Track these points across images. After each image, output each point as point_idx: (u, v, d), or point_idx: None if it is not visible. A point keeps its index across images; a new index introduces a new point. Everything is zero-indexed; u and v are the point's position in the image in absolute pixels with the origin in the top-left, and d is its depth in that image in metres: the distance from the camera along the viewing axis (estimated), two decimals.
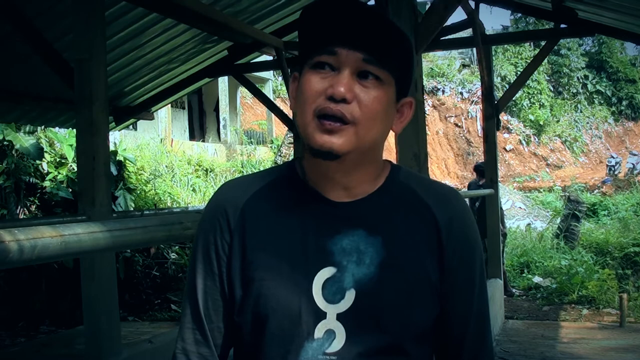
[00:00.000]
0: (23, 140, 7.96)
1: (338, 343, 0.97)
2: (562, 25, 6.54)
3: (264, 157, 18.37)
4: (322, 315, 0.98)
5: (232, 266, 1.04)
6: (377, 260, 1.00)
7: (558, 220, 11.74)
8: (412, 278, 1.01)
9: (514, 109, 27.77)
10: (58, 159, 8.54)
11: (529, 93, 27.56)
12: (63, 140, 8.76)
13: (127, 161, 9.49)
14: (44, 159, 8.24)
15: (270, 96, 20.12)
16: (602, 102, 31.06)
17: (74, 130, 6.26)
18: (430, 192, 1.07)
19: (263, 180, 1.08)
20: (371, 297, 0.98)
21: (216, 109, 20.19)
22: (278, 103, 19.84)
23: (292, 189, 1.06)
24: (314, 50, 1.00)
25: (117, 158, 8.96)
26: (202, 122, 21.01)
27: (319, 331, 0.98)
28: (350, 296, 0.98)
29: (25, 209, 7.87)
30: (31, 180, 7.98)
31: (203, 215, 1.09)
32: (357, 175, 1.03)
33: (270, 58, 7.50)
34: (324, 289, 0.99)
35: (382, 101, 0.99)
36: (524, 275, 9.37)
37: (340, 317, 0.98)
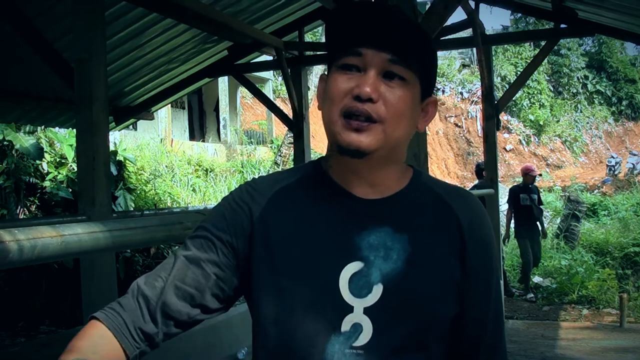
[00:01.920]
0: (23, 140, 7.96)
1: (365, 337, 0.99)
2: (562, 25, 6.53)
3: (264, 157, 18.36)
4: (348, 309, 0.99)
5: (252, 259, 1.04)
6: (404, 256, 1.02)
7: (558, 220, 11.74)
8: (437, 275, 1.03)
9: (514, 109, 27.77)
10: (58, 159, 8.54)
11: (529, 93, 27.56)
12: (63, 140, 8.76)
13: (127, 161, 9.49)
14: (44, 159, 8.24)
15: (270, 96, 20.12)
16: (602, 102, 31.05)
17: (74, 130, 6.26)
18: (452, 195, 1.10)
19: (290, 178, 1.10)
20: (399, 292, 1.00)
21: (216, 109, 20.18)
22: (278, 103, 19.83)
23: (319, 185, 1.08)
24: (340, 51, 1.02)
25: (117, 158, 8.96)
26: (202, 122, 21.01)
27: (346, 325, 0.99)
28: (377, 290, 1.00)
29: (25, 209, 7.87)
30: (31, 180, 7.97)
31: (223, 201, 1.10)
32: (382, 173, 1.05)
33: (270, 58, 7.49)
34: (351, 283, 1.00)
35: (407, 101, 1.01)
36: None
37: (367, 311, 0.99)
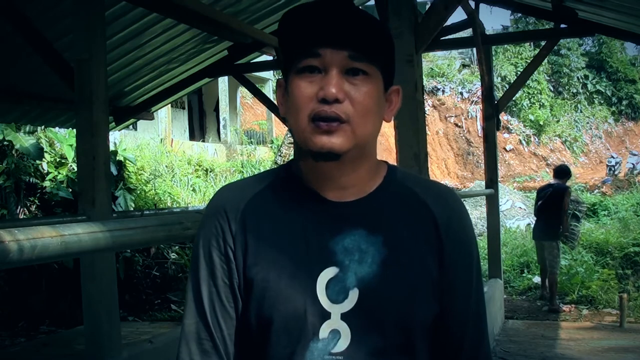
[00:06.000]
0: (23, 140, 7.96)
1: (343, 343, 0.98)
2: (562, 25, 6.54)
3: (264, 157, 18.36)
4: (326, 315, 0.98)
5: (238, 268, 1.03)
6: (379, 259, 1.00)
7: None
8: (414, 275, 1.02)
9: (514, 109, 27.74)
10: (58, 159, 8.54)
11: (529, 93, 27.53)
12: (63, 140, 8.76)
13: (127, 161, 9.49)
14: (44, 159, 8.24)
15: (270, 96, 20.10)
16: (602, 102, 31.01)
17: (74, 130, 6.26)
18: (428, 192, 1.08)
19: (261, 183, 1.08)
20: (374, 296, 0.99)
21: (216, 109, 20.18)
22: None
23: (292, 190, 1.06)
24: (297, 54, 1.00)
25: (117, 158, 8.96)
26: (202, 122, 21.01)
27: (324, 331, 0.98)
28: (353, 295, 0.98)
29: (25, 209, 7.87)
30: (31, 180, 7.97)
31: (203, 220, 1.07)
32: (355, 174, 1.04)
33: (270, 58, 7.50)
34: (328, 289, 0.99)
35: (373, 95, 1.00)
36: (524, 275, 9.37)
37: (344, 316, 0.98)
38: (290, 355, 0.98)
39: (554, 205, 7.51)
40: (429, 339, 1.05)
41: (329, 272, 0.99)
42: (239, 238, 1.03)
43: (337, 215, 1.03)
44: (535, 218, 8.17)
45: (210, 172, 15.25)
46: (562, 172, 7.87)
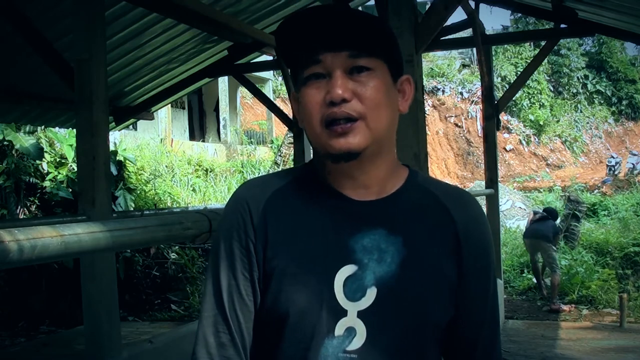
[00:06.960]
0: (23, 140, 7.96)
1: (358, 341, 0.98)
2: (562, 25, 6.54)
3: (264, 157, 18.36)
4: (342, 312, 0.99)
5: (258, 262, 1.03)
6: (398, 259, 1.01)
7: (558, 220, 11.73)
8: (432, 277, 1.03)
9: (514, 109, 27.74)
10: (58, 159, 8.54)
11: (529, 93, 27.53)
12: (63, 140, 8.76)
13: (127, 161, 9.49)
14: (44, 159, 8.25)
15: (270, 96, 20.12)
16: (602, 102, 31.01)
17: (74, 130, 6.26)
18: (448, 196, 1.09)
19: (283, 180, 1.09)
20: (393, 295, 0.99)
21: (216, 109, 20.19)
22: (278, 103, 19.83)
23: (313, 188, 1.07)
24: (300, 65, 1.02)
25: (117, 158, 8.96)
26: (202, 122, 21.01)
27: (339, 329, 0.98)
28: (371, 294, 0.99)
29: (25, 209, 7.87)
30: (31, 180, 7.98)
31: (224, 213, 1.08)
32: (375, 172, 1.04)
33: (270, 58, 7.50)
34: (345, 287, 0.99)
35: (381, 88, 1.01)
36: (524, 275, 9.38)
37: (361, 314, 0.99)
38: (304, 352, 0.98)
39: (551, 225, 8.41)
40: (442, 340, 1.06)
41: (347, 270, 1.00)
42: (260, 231, 1.03)
43: (358, 214, 1.03)
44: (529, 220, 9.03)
45: (210, 172, 15.25)
46: (552, 213, 8.78)
